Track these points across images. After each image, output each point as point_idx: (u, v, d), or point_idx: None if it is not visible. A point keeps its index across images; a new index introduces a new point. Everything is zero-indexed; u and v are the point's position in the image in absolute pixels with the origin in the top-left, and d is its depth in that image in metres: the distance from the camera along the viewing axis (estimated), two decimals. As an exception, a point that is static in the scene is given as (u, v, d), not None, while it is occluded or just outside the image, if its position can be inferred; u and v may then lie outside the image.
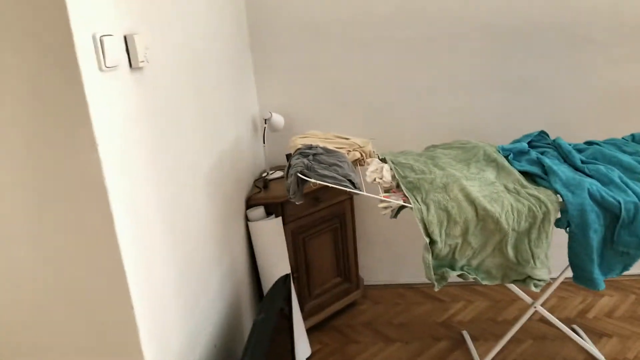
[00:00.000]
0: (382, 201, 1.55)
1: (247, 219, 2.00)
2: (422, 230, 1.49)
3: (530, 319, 2.27)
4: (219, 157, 1.73)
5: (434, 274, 1.52)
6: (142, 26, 1.18)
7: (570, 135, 2.28)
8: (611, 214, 1.48)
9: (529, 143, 1.89)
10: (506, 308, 2.38)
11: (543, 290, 2.27)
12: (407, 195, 1.55)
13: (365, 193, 1.54)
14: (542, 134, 1.94)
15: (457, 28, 2.17)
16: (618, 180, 1.53)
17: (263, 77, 2.32)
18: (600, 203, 1.47)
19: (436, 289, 1.51)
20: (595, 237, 1.48)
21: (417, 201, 1.53)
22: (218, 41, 1.80)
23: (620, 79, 2.21)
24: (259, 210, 1.99)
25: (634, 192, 1.49)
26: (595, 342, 2.10)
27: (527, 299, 1.89)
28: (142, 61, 1.16)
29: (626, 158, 1.65)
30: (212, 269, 1.58)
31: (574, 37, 2.16)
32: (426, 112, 2.31)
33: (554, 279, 2.49)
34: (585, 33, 2.15)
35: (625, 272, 2.36)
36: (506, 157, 1.74)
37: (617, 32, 2.15)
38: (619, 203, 1.46)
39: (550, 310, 2.32)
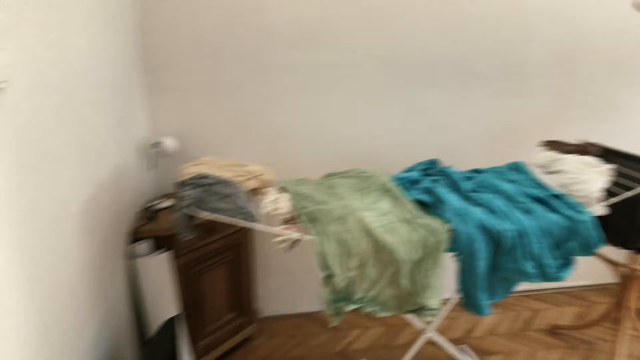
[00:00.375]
0: (277, 235, 1.49)
1: (131, 255, 1.82)
2: (319, 264, 1.46)
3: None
4: (98, 188, 1.55)
5: (331, 309, 1.48)
6: (1, 41, 1.02)
7: (459, 163, 2.42)
8: (495, 242, 1.55)
9: (421, 171, 1.96)
10: (401, 332, 2.42)
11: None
12: (305, 226, 1.51)
13: (260, 226, 1.47)
14: (434, 162, 2.02)
15: (358, 56, 2.21)
16: (501, 209, 1.62)
17: (158, 99, 2.16)
18: (486, 231, 1.55)
19: (332, 325, 1.48)
20: (481, 265, 1.55)
21: (315, 233, 1.49)
22: (101, 60, 1.64)
23: (504, 110, 2.40)
24: (146, 245, 1.83)
25: (515, 221, 1.58)
26: (482, 361, 2.21)
27: (420, 324, 1.93)
28: (3, 81, 1.00)
29: (508, 187, 1.77)
30: (85, 320, 1.39)
31: (463, 71, 2.30)
32: (326, 138, 2.31)
33: (446, 300, 2.60)
34: (473, 69, 2.31)
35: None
36: (400, 186, 1.78)
37: (500, 69, 2.33)
38: (502, 231, 1.54)
39: (440, 331, 2.40)
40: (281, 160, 2.28)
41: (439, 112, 2.35)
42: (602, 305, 2.63)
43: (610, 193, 1.76)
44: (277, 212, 1.56)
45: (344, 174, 1.84)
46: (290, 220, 1.58)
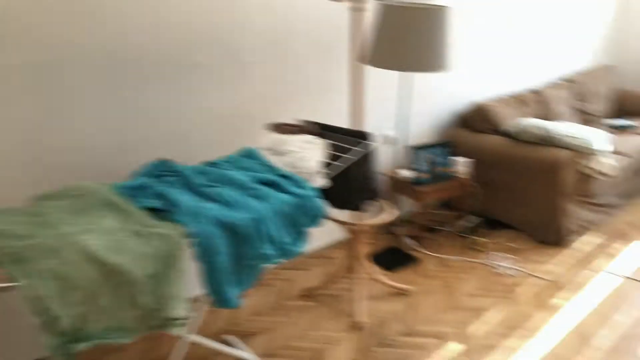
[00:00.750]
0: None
1: None
2: (33, 311, 1.20)
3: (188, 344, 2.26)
4: None
5: (61, 354, 1.26)
6: None
7: (194, 157, 2.34)
8: (233, 234, 1.55)
9: (151, 174, 1.81)
10: (160, 344, 2.27)
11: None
12: (7, 270, 1.22)
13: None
14: (164, 162, 1.89)
15: (58, 54, 1.86)
16: (235, 200, 1.62)
17: None
18: (222, 225, 1.52)
19: (67, 371, 1.26)
20: (223, 260, 1.52)
21: (22, 276, 1.22)
22: None
23: (229, 98, 2.39)
24: None
25: (249, 209, 1.60)
26: (247, 344, 2.25)
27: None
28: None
29: (240, 175, 1.77)
30: None
31: (183, 63, 2.19)
32: (28, 152, 1.92)
33: (196, 300, 2.55)
34: (193, 60, 2.21)
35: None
36: (126, 196, 1.60)
37: (219, 58, 2.29)
38: (238, 222, 1.54)
39: (202, 329, 2.35)
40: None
41: (163, 107, 2.20)
42: (340, 259, 2.97)
43: (329, 165, 1.94)
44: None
45: (56, 196, 1.56)
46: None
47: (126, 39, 2.02)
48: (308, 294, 2.64)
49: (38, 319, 1.22)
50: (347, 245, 3.09)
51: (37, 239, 1.30)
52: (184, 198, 1.58)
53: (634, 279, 2.68)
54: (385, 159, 3.20)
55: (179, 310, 1.46)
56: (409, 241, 3.13)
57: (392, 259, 2.95)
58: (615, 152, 3.26)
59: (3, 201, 1.87)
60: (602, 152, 2.91)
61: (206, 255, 1.49)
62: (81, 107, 1.99)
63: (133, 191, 1.62)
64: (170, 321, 1.46)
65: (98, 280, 1.29)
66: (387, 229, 3.30)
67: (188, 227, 1.48)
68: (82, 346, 1.29)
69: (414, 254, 3.01)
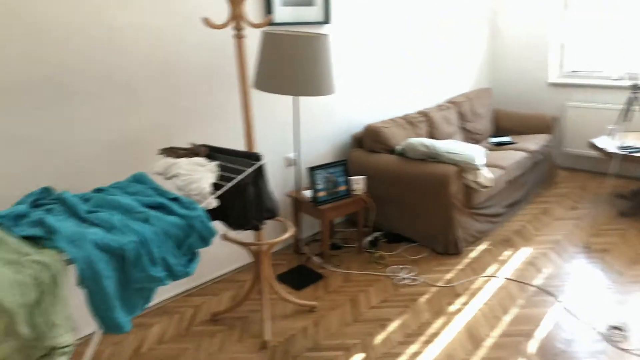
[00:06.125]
0: None
1: None
2: None
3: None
4: None
5: None
6: None
7: (84, 185, 2.31)
8: (119, 258, 1.55)
9: (33, 202, 1.77)
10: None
11: (85, 348, 2.21)
12: None
13: None
14: (47, 190, 1.85)
15: None
16: (119, 224, 1.63)
17: None
18: (106, 250, 1.53)
19: None
20: (109, 284, 1.52)
21: None
22: None
23: (121, 127, 2.39)
24: None
25: (135, 232, 1.61)
26: (150, 374, 2.21)
27: (70, 365, 1.77)
28: None
29: (126, 200, 1.78)
30: None
31: (67, 92, 2.17)
32: None
33: (92, 334, 2.47)
34: (78, 87, 2.20)
35: (165, 296, 2.58)
36: (3, 225, 1.56)
37: (107, 87, 2.30)
38: (122, 245, 1.55)
39: (106, 362, 2.30)
40: None
41: (46, 136, 2.16)
42: (249, 282, 3.01)
43: (219, 186, 2.00)
44: None
45: None
46: None
47: (10, 68, 1.98)
48: (216, 319, 2.64)
49: None
50: (253, 267, 3.13)
51: None
52: (65, 224, 1.57)
53: (518, 281, 2.95)
54: (287, 180, 3.32)
55: (62, 338, 1.43)
56: (315, 259, 3.23)
57: (300, 277, 3.03)
58: (495, 166, 3.61)
59: None
60: (480, 166, 3.22)
61: (89, 280, 1.48)
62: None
63: (10, 220, 1.58)
64: (54, 350, 1.43)
65: (-34, 313, 1.25)
66: (295, 248, 3.39)
67: (68, 252, 1.47)
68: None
69: (321, 271, 3.12)
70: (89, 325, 2.44)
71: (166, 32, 2.46)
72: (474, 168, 3.20)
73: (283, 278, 3.03)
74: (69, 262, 1.48)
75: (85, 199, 1.81)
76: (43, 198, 1.80)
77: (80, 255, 1.47)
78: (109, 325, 1.58)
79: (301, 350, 2.39)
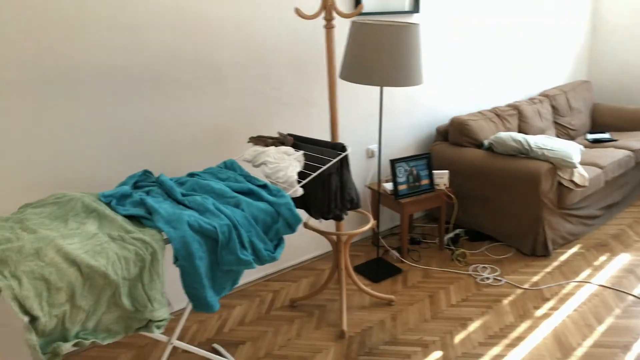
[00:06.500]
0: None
1: None
2: (17, 310, 1.27)
3: (175, 353, 2.30)
4: None
5: (44, 353, 1.32)
6: None
7: (177, 169, 2.44)
8: (211, 240, 1.62)
9: (134, 184, 1.90)
10: (152, 351, 2.33)
11: (176, 323, 2.34)
12: (-11, 272, 1.29)
13: None
14: (146, 172, 1.98)
15: (38, 73, 1.97)
16: (212, 207, 1.70)
17: None
18: (200, 231, 1.60)
19: (49, 370, 1.32)
20: (202, 264, 1.60)
21: (5, 277, 1.30)
22: None
23: (211, 113, 2.49)
24: None
25: (226, 216, 1.68)
26: (233, 354, 2.30)
27: (163, 337, 1.89)
28: None
29: (218, 185, 1.86)
30: None
31: (164, 79, 2.29)
32: (22, 165, 2.01)
33: (182, 310, 2.60)
34: (174, 76, 2.32)
35: (246, 280, 2.67)
36: (108, 203, 1.69)
37: (200, 74, 2.40)
38: (215, 228, 1.62)
39: (192, 337, 2.42)
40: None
41: (144, 122, 2.29)
42: (327, 270, 3.03)
43: (304, 175, 2.02)
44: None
45: (39, 203, 1.64)
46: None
47: (115, 58, 2.13)
48: (295, 305, 2.69)
49: (21, 318, 1.28)
50: (332, 257, 3.16)
51: (18, 243, 1.37)
52: (163, 206, 1.66)
53: (615, 289, 2.74)
54: (368, 171, 3.29)
55: (158, 312, 1.52)
56: (393, 253, 3.19)
57: (377, 270, 3.01)
58: (592, 164, 3.36)
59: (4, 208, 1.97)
60: (575, 164, 3.00)
61: (184, 259, 1.57)
62: (72, 121, 2.09)
63: (115, 200, 1.70)
64: (151, 322, 1.53)
65: (79, 282, 1.36)
66: (372, 241, 3.37)
67: (166, 232, 1.56)
68: (64, 346, 1.35)
69: (399, 265, 3.07)
70: (178, 302, 2.60)
71: (255, 22, 2.51)
72: (569, 166, 2.99)
73: (360, 269, 3.03)
74: (167, 241, 1.57)
75: (180, 182, 1.91)
76: (143, 180, 1.92)
77: (177, 236, 1.55)
78: (199, 303, 1.66)
79: (378, 342, 2.37)
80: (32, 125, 2.00)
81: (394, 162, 2.99)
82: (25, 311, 1.29)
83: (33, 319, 1.30)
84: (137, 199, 1.71)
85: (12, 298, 1.28)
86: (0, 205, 1.99)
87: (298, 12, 2.21)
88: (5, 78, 1.90)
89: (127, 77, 2.19)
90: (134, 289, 1.48)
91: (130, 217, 1.64)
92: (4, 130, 1.94)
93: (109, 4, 2.07)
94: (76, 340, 1.39)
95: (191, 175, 2.01)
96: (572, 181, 3.05)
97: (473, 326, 2.47)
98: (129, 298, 1.47)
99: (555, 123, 4.04)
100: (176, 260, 1.58)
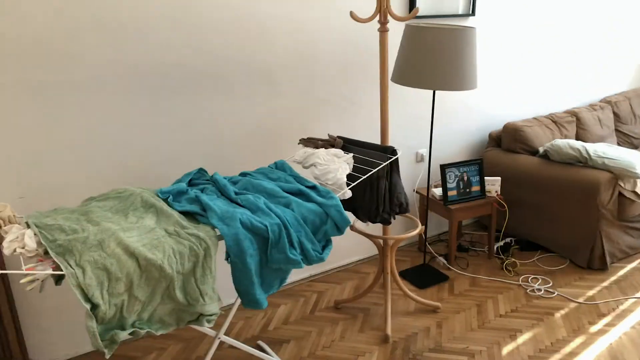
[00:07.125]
0: (26, 275, 1.33)
1: None
2: (80, 297, 1.35)
3: (221, 348, 2.36)
4: None
5: (103, 340, 1.39)
6: None
7: (229, 168, 2.50)
8: (262, 238, 1.66)
9: (189, 181, 1.96)
10: (199, 344, 2.40)
11: (224, 319, 2.40)
12: (57, 261, 1.38)
13: (4, 271, 1.29)
14: (201, 171, 2.04)
15: (105, 71, 2.08)
16: (264, 206, 1.73)
17: None
18: (251, 229, 1.64)
19: (107, 357, 1.38)
20: (252, 262, 1.63)
21: (70, 265, 1.37)
22: None
23: (260, 115, 2.54)
24: None
25: (277, 215, 1.71)
26: (277, 352, 2.33)
27: (210, 331, 1.94)
28: None
29: (270, 185, 1.89)
30: None
31: (218, 80, 2.36)
32: (82, 162, 2.13)
33: (230, 306, 2.66)
34: (227, 77, 2.38)
35: (292, 280, 2.70)
36: (166, 199, 1.75)
37: (251, 76, 2.46)
38: (266, 226, 1.65)
39: (238, 333, 2.47)
40: (34, 192, 2.04)
41: (200, 121, 2.37)
42: (372, 274, 3.02)
43: (352, 178, 2.03)
44: (22, 251, 1.39)
45: (102, 197, 1.73)
46: (39, 258, 1.42)
47: (170, 59, 2.21)
48: (339, 307, 2.70)
49: (82, 305, 1.35)
50: (377, 261, 3.14)
51: (83, 234, 1.45)
52: (217, 203, 1.71)
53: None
54: (416, 176, 3.26)
55: (209, 306, 1.57)
56: (440, 259, 3.14)
57: (423, 276, 2.97)
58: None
59: (69, 201, 2.08)
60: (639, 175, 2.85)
61: (235, 256, 1.61)
62: (131, 121, 2.19)
63: (172, 196, 1.77)
64: (202, 316, 1.57)
65: (136, 274, 1.43)
66: (419, 246, 3.33)
67: (219, 229, 1.60)
68: (121, 335, 1.42)
69: (446, 272, 3.02)
70: (226, 298, 2.66)
71: (308, 24, 2.54)
72: (632, 176, 2.84)
73: (405, 275, 3.00)
74: (220, 238, 1.61)
75: (233, 181, 1.96)
76: (198, 178, 1.99)
77: (230, 233, 1.59)
78: (248, 300, 1.69)
79: (422, 349, 2.34)
80: (98, 123, 2.11)
81: (444, 167, 2.95)
82: (87, 299, 1.36)
83: (94, 307, 1.37)
84: (192, 196, 1.77)
85: (76, 286, 1.35)
86: (66, 197, 2.10)
87: (353, 15, 2.22)
88: (77, 77, 2.01)
89: (187, 77, 2.27)
90: (187, 283, 1.53)
91: (186, 213, 1.70)
92: (73, 127, 2.06)
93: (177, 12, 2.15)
94: (132, 330, 1.45)
95: (244, 174, 2.06)
96: (634, 192, 2.90)
97: (522, 338, 2.40)
98: (182, 291, 1.52)
99: (617, 131, 3.85)
100: (228, 257, 1.62)
